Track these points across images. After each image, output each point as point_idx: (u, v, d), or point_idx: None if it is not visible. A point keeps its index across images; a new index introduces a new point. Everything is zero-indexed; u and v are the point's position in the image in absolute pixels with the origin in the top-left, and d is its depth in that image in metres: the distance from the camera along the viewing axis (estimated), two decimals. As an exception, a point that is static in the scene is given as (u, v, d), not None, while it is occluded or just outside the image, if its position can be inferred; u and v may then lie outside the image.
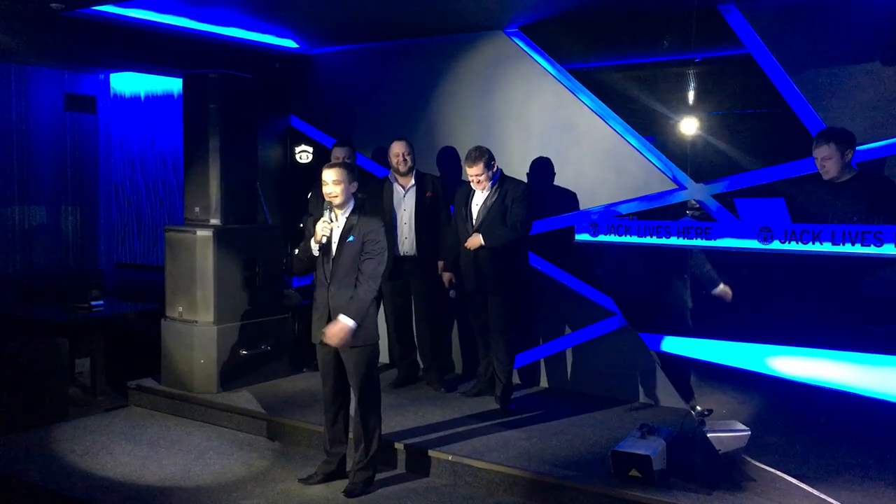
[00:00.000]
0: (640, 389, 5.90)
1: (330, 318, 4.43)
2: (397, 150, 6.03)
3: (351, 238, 4.40)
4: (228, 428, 5.71)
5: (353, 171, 4.48)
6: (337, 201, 4.41)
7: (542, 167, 6.18)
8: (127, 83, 8.03)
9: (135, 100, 8.01)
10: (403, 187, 6.08)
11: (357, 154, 6.84)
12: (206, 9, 5.96)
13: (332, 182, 4.40)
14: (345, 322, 4.32)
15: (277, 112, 7.40)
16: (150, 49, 6.39)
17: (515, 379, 6.32)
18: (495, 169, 5.63)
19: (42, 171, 7.63)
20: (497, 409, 5.64)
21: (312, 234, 4.46)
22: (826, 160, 4.50)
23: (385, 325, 6.41)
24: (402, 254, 6.05)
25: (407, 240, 6.04)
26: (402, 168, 6.03)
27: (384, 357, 6.79)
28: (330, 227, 4.40)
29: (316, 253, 4.47)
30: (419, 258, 6.05)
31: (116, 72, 7.95)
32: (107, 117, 8.14)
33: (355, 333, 4.38)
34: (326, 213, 4.40)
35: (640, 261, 4.65)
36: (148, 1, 5.60)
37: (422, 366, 6.34)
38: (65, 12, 5.45)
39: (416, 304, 6.23)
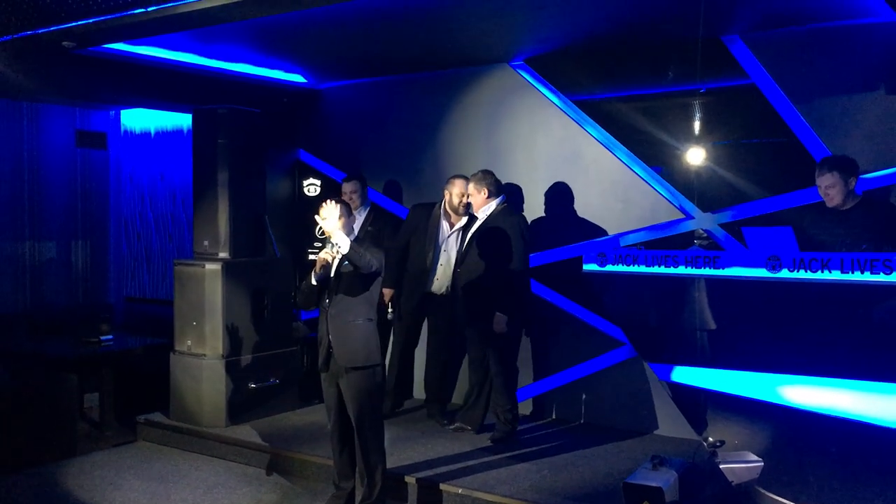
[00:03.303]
0: (651, 420, 5.85)
1: (330, 346, 4.46)
2: (462, 189, 5.76)
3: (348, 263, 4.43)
4: (237, 462, 5.69)
5: (349, 207, 4.56)
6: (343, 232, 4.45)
7: (548, 198, 6.19)
8: (137, 119, 8.12)
9: (145, 135, 8.09)
10: (451, 226, 5.90)
11: (368, 188, 6.89)
12: (215, 45, 6.04)
13: (338, 216, 4.43)
14: (341, 237, 4.29)
15: (286, 146, 7.47)
16: (160, 85, 6.47)
17: (526, 410, 6.29)
18: (484, 194, 5.53)
19: (53, 206, 7.69)
20: (507, 441, 5.59)
21: (313, 266, 4.51)
22: (829, 188, 4.50)
23: (389, 355, 6.34)
24: (431, 290, 5.91)
25: (439, 280, 5.90)
26: (462, 209, 5.81)
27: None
28: (331, 256, 4.44)
29: (314, 282, 4.49)
30: (447, 297, 5.89)
31: (127, 108, 8.04)
32: (117, 153, 8.22)
33: (357, 354, 4.41)
34: (329, 246, 4.44)
35: (648, 290, 4.63)
36: (158, 38, 5.68)
37: (425, 397, 6.29)
38: (76, 50, 5.53)
39: (432, 338, 6.15)
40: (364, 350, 4.47)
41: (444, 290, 5.93)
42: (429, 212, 6.02)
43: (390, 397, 6.19)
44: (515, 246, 5.47)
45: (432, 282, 5.92)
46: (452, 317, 5.97)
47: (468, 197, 5.64)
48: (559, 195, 6.16)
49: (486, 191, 5.56)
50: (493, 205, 5.59)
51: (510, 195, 6.25)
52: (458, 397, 6.62)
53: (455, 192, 5.81)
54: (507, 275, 5.45)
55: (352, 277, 4.42)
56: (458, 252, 5.77)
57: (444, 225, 5.93)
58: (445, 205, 5.92)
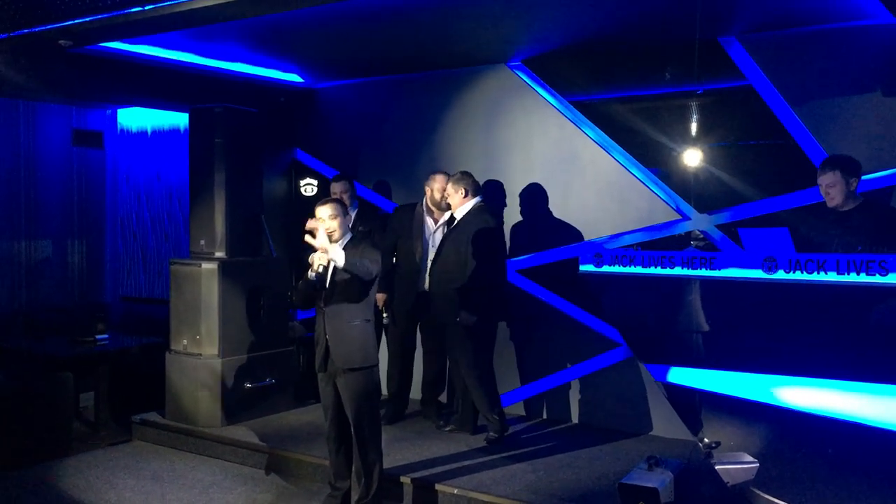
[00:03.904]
0: (647, 421, 5.85)
1: (328, 347, 4.45)
2: (442, 184, 5.82)
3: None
4: (233, 462, 5.68)
5: (344, 206, 4.53)
6: (336, 236, 4.44)
7: (545, 198, 6.19)
8: (134, 118, 8.11)
9: (141, 134, 8.08)
10: (436, 222, 5.93)
11: (360, 186, 6.89)
12: (212, 44, 6.03)
13: (328, 217, 4.43)
14: (336, 252, 4.25)
15: (282, 145, 7.46)
16: (156, 84, 6.46)
17: (521, 411, 6.29)
18: (461, 194, 5.55)
19: (49, 205, 7.67)
20: (502, 442, 5.59)
21: (309, 265, 4.50)
22: (830, 187, 4.50)
23: (387, 361, 6.31)
24: (424, 288, 5.89)
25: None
26: (444, 204, 5.82)
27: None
28: (326, 258, 4.43)
29: (310, 283, 4.48)
30: None
31: (124, 107, 8.03)
32: (114, 152, 8.21)
33: (354, 356, 4.41)
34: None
35: (645, 291, 4.64)
36: (155, 37, 5.67)
37: (421, 396, 6.28)
38: (73, 49, 5.52)
39: (432, 338, 6.10)
40: (361, 351, 4.46)
41: None
42: (411, 212, 6.05)
43: (391, 406, 6.14)
44: (487, 244, 5.47)
45: (424, 279, 5.91)
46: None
47: (447, 196, 5.66)
48: (556, 195, 6.16)
49: (463, 190, 5.57)
50: (469, 205, 5.60)
51: (507, 195, 6.26)
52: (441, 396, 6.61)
53: (436, 188, 5.87)
54: (477, 274, 5.45)
55: (349, 279, 4.41)
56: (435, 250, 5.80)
57: (429, 221, 5.97)
58: (427, 201, 5.96)
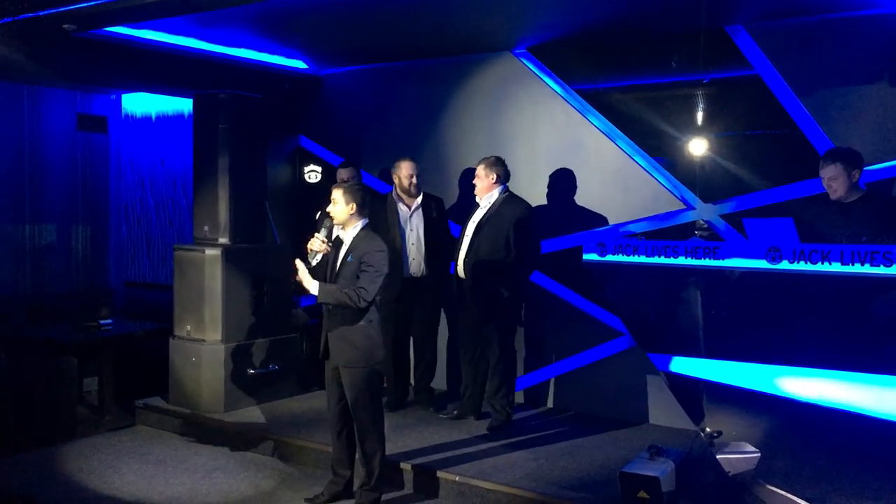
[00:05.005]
0: (649, 410, 5.86)
1: (328, 337, 4.47)
2: (409, 170, 5.94)
3: (350, 258, 4.43)
4: (236, 448, 5.70)
5: (355, 193, 4.47)
6: (336, 221, 4.50)
7: (549, 187, 6.18)
8: (138, 103, 8.10)
9: (146, 120, 8.08)
10: (409, 207, 6.03)
11: (364, 174, 6.87)
12: (217, 30, 6.01)
13: (332, 201, 4.50)
14: (310, 284, 4.38)
15: (287, 132, 7.45)
16: (161, 70, 6.44)
17: (523, 399, 6.30)
18: (492, 179, 5.59)
19: (53, 190, 7.68)
20: (504, 430, 5.59)
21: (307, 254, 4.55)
22: (833, 180, 4.49)
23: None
24: (410, 274, 5.97)
25: (415, 261, 5.98)
26: (413, 189, 5.97)
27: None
28: (321, 244, 4.48)
29: (312, 264, 4.51)
30: (426, 278, 6.00)
31: (128, 92, 8.02)
32: (118, 137, 8.20)
33: (353, 355, 4.42)
34: (323, 230, 4.51)
35: (648, 281, 4.64)
36: (159, 22, 5.66)
37: (412, 384, 6.28)
38: (77, 33, 5.51)
39: (421, 325, 6.12)
40: (360, 351, 4.44)
41: (421, 271, 5.97)
42: (382, 202, 6.09)
43: (392, 393, 6.11)
44: (524, 232, 5.51)
45: (409, 265, 5.95)
46: (435, 304, 6.10)
47: (476, 179, 5.69)
48: (560, 184, 6.15)
49: (494, 176, 5.60)
50: (496, 192, 5.62)
51: (511, 184, 6.25)
52: (442, 384, 6.60)
53: (403, 175, 5.96)
54: (515, 262, 5.49)
55: (350, 274, 4.41)
56: (424, 231, 5.95)
57: (402, 208, 6.02)
58: (397, 189, 6.04)
